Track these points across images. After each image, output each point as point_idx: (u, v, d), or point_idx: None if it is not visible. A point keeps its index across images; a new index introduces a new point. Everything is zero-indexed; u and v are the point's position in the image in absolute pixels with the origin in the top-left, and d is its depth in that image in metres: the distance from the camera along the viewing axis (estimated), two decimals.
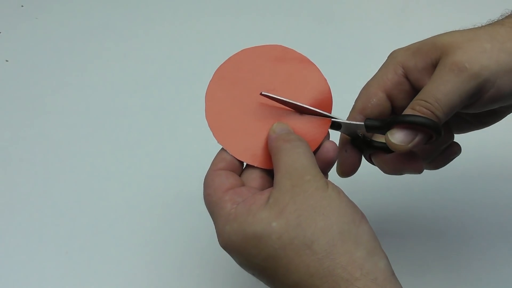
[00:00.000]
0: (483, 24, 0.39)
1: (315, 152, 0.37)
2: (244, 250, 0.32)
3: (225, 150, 0.37)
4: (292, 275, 0.31)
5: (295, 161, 0.33)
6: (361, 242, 0.31)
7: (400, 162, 0.39)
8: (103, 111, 0.69)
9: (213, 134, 0.38)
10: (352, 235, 0.31)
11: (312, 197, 0.32)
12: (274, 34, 0.78)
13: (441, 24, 0.46)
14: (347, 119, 0.40)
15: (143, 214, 0.58)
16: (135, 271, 0.54)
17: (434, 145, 0.41)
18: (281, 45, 0.40)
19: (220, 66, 0.40)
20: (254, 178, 0.37)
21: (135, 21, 0.82)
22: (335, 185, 0.33)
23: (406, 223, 0.57)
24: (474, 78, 0.35)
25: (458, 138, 0.43)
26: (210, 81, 0.39)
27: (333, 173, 0.39)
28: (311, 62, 0.40)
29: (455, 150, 0.42)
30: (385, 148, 0.38)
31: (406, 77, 0.39)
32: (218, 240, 0.34)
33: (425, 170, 0.41)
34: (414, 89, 0.39)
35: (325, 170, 0.37)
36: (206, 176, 0.36)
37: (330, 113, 0.39)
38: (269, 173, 0.37)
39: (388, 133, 0.37)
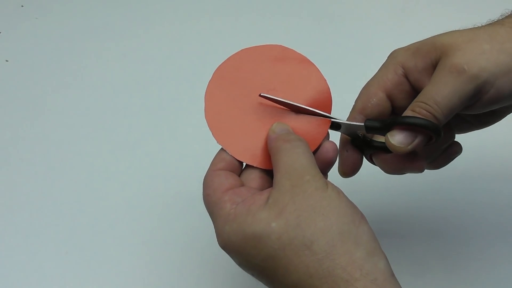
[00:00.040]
0: (483, 24, 0.39)
1: (314, 152, 0.37)
2: (243, 251, 0.32)
3: (225, 150, 0.37)
4: (291, 275, 0.31)
5: (295, 161, 0.33)
6: (361, 242, 0.31)
7: (401, 162, 0.39)
8: (103, 111, 0.69)
9: (212, 134, 0.38)
10: (352, 235, 0.31)
11: (312, 197, 0.32)
12: (274, 34, 0.78)
13: (441, 24, 0.46)
14: (347, 119, 0.40)
15: (143, 214, 0.58)
16: (135, 271, 0.54)
17: (434, 146, 0.41)
18: (281, 45, 0.40)
19: (220, 65, 0.40)
20: (253, 178, 0.37)
21: (135, 21, 0.82)
22: (335, 186, 0.33)
23: (406, 223, 0.57)
24: (473, 80, 0.35)
25: (458, 138, 0.43)
26: (210, 80, 0.39)
27: (332, 173, 0.39)
28: (311, 62, 0.40)
29: (456, 149, 0.42)
30: (386, 148, 0.38)
31: (406, 77, 0.39)
32: (218, 240, 0.34)
33: (425, 170, 0.41)
34: (414, 89, 0.39)
35: (324, 171, 0.37)
36: (205, 176, 0.36)
37: (330, 114, 0.39)
38: (269, 173, 0.37)
39: (388, 135, 0.37)
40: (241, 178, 0.37)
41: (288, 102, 0.38)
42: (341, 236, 0.31)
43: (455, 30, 0.38)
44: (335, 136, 0.40)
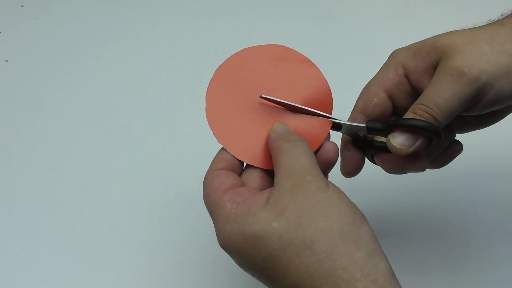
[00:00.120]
0: (483, 24, 0.39)
1: (315, 152, 0.37)
2: (243, 251, 0.32)
3: (225, 150, 0.37)
4: (292, 275, 0.31)
5: (296, 161, 0.33)
6: (362, 243, 0.31)
7: (403, 162, 0.39)
8: (103, 111, 0.69)
9: (213, 133, 0.38)
10: (353, 236, 0.31)
11: (313, 197, 0.32)
12: (274, 34, 0.78)
13: (441, 24, 0.46)
14: (348, 120, 0.40)
15: (143, 214, 0.58)
16: (135, 271, 0.54)
17: (435, 147, 0.41)
18: (282, 45, 0.40)
19: (221, 65, 0.39)
20: (254, 178, 0.37)
21: (135, 21, 0.82)
22: (336, 186, 0.33)
23: (406, 223, 0.57)
24: (473, 82, 0.35)
25: (458, 137, 0.43)
26: (211, 80, 0.39)
27: (332, 173, 0.39)
28: (312, 62, 0.40)
29: (457, 148, 0.42)
30: (387, 148, 0.38)
31: (407, 77, 0.39)
32: (218, 240, 0.34)
33: (426, 170, 0.41)
34: (415, 90, 0.39)
35: (325, 171, 0.37)
36: (205, 175, 0.36)
37: (331, 114, 0.39)
38: (269, 173, 0.37)
39: (390, 136, 0.37)
40: (242, 178, 0.37)
41: (289, 103, 0.38)
42: (342, 236, 0.31)
43: (456, 30, 0.38)
44: (337, 137, 0.40)
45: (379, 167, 0.41)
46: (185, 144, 0.65)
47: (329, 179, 0.37)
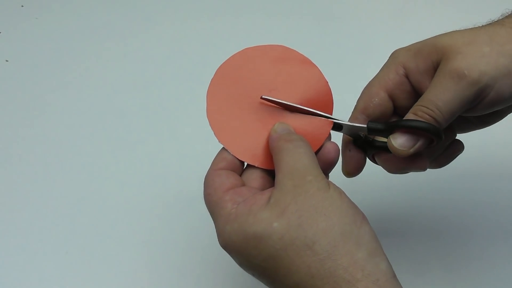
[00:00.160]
0: (484, 24, 0.39)
1: (316, 153, 0.37)
2: (244, 251, 0.32)
3: (226, 150, 0.37)
4: (293, 275, 0.31)
5: (297, 161, 0.33)
6: (363, 243, 0.31)
7: (404, 161, 0.39)
8: (103, 111, 0.69)
9: (214, 133, 0.38)
10: (354, 236, 0.31)
11: (314, 197, 0.32)
12: (274, 34, 0.78)
13: (441, 24, 0.46)
14: (349, 119, 0.40)
15: (143, 214, 0.58)
16: (135, 271, 0.54)
17: (436, 147, 0.41)
18: (282, 45, 0.40)
19: (222, 64, 0.39)
20: (254, 178, 0.37)
21: (135, 21, 0.82)
22: (337, 186, 0.33)
23: (406, 222, 0.57)
24: (474, 84, 0.35)
25: (458, 137, 0.43)
26: (212, 79, 0.39)
27: (332, 173, 0.39)
28: (312, 63, 0.40)
29: (458, 147, 0.42)
30: (388, 148, 0.38)
31: (407, 77, 0.39)
32: (218, 240, 0.34)
33: (426, 170, 0.41)
34: (415, 90, 0.39)
35: (326, 171, 0.37)
36: (206, 175, 0.36)
37: (331, 115, 0.39)
38: (270, 173, 0.37)
39: (391, 137, 0.37)
40: (242, 177, 0.37)
41: (290, 104, 0.38)
42: (343, 236, 0.31)
43: (456, 31, 0.38)
44: (337, 137, 0.40)
45: (380, 167, 0.42)
46: (185, 144, 0.65)
47: (329, 179, 0.37)
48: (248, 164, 0.37)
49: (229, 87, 0.39)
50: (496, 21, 0.39)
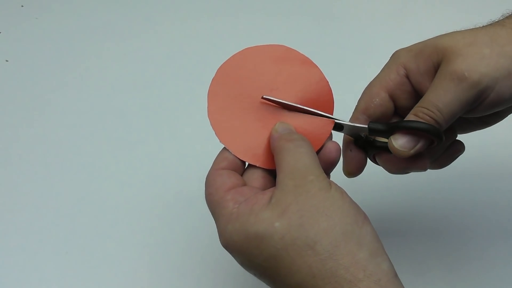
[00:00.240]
0: (484, 25, 0.39)
1: (317, 152, 0.37)
2: (245, 250, 0.32)
3: (227, 150, 0.37)
4: (294, 275, 0.31)
5: (298, 161, 0.33)
6: (364, 243, 0.31)
7: (405, 161, 0.39)
8: (103, 111, 0.69)
9: (215, 133, 0.38)
10: (355, 236, 0.31)
11: (315, 197, 0.32)
12: (274, 34, 0.78)
13: (441, 24, 0.46)
14: (349, 120, 0.40)
15: (143, 214, 0.58)
16: (135, 271, 0.54)
17: (435, 150, 0.41)
18: (283, 45, 0.40)
19: (223, 64, 0.39)
20: (256, 178, 0.37)
21: (135, 21, 0.82)
22: (338, 186, 0.33)
23: (406, 222, 0.57)
24: (474, 86, 0.35)
25: (458, 137, 0.43)
26: (213, 79, 0.39)
27: (333, 173, 0.39)
28: (313, 63, 0.40)
29: (459, 148, 0.43)
30: (388, 148, 0.38)
31: (408, 78, 0.39)
32: (220, 240, 0.34)
33: (427, 170, 0.41)
34: (416, 91, 0.39)
35: (327, 171, 0.37)
36: (207, 175, 0.36)
37: (332, 115, 0.39)
38: (271, 173, 0.37)
39: (392, 138, 0.37)
40: (244, 177, 0.37)
41: (291, 104, 0.38)
42: (344, 236, 0.31)
43: (457, 32, 0.38)
44: (338, 137, 0.40)
45: (380, 167, 0.42)
46: (185, 144, 0.65)
47: (330, 178, 0.37)
48: (249, 164, 0.37)
49: (230, 87, 0.39)
50: (496, 21, 0.39)
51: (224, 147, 0.37)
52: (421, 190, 0.59)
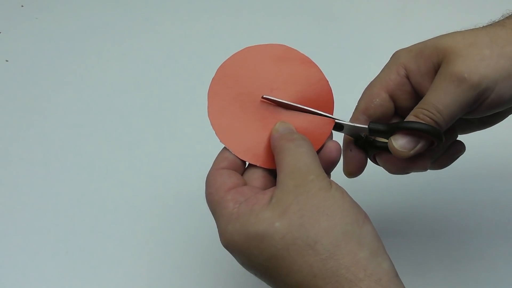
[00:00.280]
0: (484, 25, 0.39)
1: (318, 152, 0.37)
2: (246, 250, 0.32)
3: (227, 149, 0.37)
4: (295, 275, 0.31)
5: (298, 161, 0.33)
6: (365, 242, 0.31)
7: (405, 162, 0.39)
8: (103, 111, 0.69)
9: (215, 132, 0.38)
10: (356, 235, 0.31)
11: (316, 197, 0.32)
12: (274, 34, 0.78)
13: (441, 24, 0.46)
14: (350, 120, 0.40)
15: (143, 214, 0.58)
16: (135, 271, 0.54)
17: (435, 151, 0.42)
18: (284, 45, 0.40)
19: (223, 63, 0.39)
20: (256, 177, 0.37)
21: (135, 21, 0.82)
22: (339, 185, 0.33)
23: (406, 222, 0.57)
24: (474, 88, 0.35)
25: (459, 138, 0.43)
26: (213, 78, 0.39)
27: (333, 173, 0.39)
28: (313, 62, 0.40)
29: (459, 148, 0.42)
30: (388, 148, 0.38)
31: (408, 78, 0.39)
32: (220, 240, 0.34)
33: (427, 170, 0.41)
34: (416, 91, 0.39)
35: (327, 170, 0.37)
36: (208, 175, 0.36)
37: (332, 115, 0.39)
38: (272, 173, 0.37)
39: (392, 139, 0.37)
40: (244, 177, 0.37)
41: (291, 104, 0.38)
42: (345, 236, 0.31)
43: (457, 32, 0.38)
44: (338, 136, 0.40)
45: (380, 167, 0.42)
46: (185, 144, 0.65)
47: (330, 178, 0.37)
48: (249, 164, 0.37)
49: (230, 86, 0.39)
50: (497, 22, 0.39)
51: (225, 147, 0.37)
52: (421, 190, 0.59)
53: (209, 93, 0.39)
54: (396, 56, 0.40)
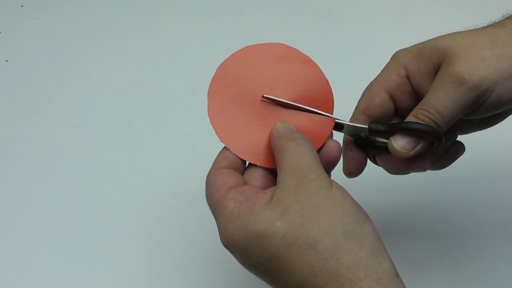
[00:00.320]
0: (485, 25, 0.39)
1: (318, 151, 0.37)
2: (246, 250, 0.32)
3: (228, 149, 0.37)
4: (295, 275, 0.31)
5: (299, 160, 0.33)
6: (365, 242, 0.31)
7: (405, 162, 0.39)
8: (103, 111, 0.69)
9: (215, 132, 0.38)
10: (356, 235, 0.31)
11: (316, 196, 0.32)
12: (274, 34, 0.78)
13: (441, 24, 0.46)
14: (350, 120, 0.40)
15: (143, 214, 0.58)
16: (135, 271, 0.54)
17: (435, 151, 0.42)
18: (284, 44, 0.40)
19: (223, 62, 0.39)
20: (256, 177, 0.37)
21: (135, 21, 0.82)
22: (339, 185, 0.33)
23: (406, 222, 0.57)
24: (474, 89, 0.35)
25: (459, 138, 0.43)
26: (213, 77, 0.39)
27: (333, 173, 0.39)
28: (313, 62, 0.40)
29: (459, 149, 0.43)
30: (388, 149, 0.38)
31: (408, 79, 0.39)
32: (220, 239, 0.34)
33: (427, 170, 0.41)
34: (416, 92, 0.39)
35: (328, 170, 0.37)
36: (208, 174, 0.36)
37: (332, 114, 0.39)
38: (272, 172, 0.37)
39: (392, 139, 0.37)
40: (244, 176, 0.37)
41: (292, 103, 0.38)
42: (345, 235, 0.31)
43: (457, 32, 0.38)
44: (338, 137, 0.40)
45: (381, 167, 0.42)
46: (185, 144, 0.65)
47: (331, 178, 0.37)
48: (249, 163, 0.37)
49: (230, 85, 0.39)
50: (497, 22, 0.39)
51: (225, 146, 0.37)
52: (421, 190, 0.59)
53: (209, 93, 0.39)
54: (396, 56, 0.40)
